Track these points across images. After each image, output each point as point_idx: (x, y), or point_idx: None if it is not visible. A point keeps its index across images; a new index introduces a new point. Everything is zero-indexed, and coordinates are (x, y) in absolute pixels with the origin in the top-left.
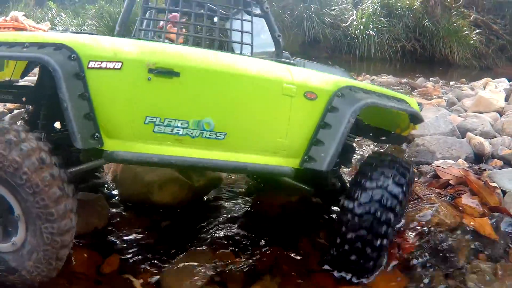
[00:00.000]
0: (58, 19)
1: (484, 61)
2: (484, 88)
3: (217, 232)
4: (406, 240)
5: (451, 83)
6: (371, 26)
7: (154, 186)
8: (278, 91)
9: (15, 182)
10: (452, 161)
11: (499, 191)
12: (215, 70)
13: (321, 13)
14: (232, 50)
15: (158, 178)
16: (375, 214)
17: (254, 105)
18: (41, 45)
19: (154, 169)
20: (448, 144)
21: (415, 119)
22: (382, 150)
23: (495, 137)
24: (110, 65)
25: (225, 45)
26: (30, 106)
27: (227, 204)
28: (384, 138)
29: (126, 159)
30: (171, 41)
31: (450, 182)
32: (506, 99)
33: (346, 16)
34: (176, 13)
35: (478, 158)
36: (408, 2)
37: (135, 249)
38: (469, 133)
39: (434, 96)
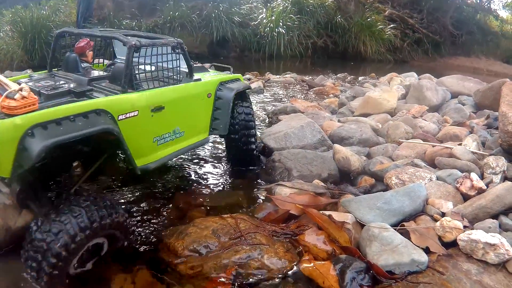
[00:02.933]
0: None
1: (399, 54)
2: (389, 83)
3: None
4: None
5: (360, 78)
6: (281, 24)
7: None
8: (198, 98)
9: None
10: (302, 181)
11: (350, 226)
12: (178, 98)
13: (230, 12)
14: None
15: None
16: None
17: (191, 110)
18: (85, 115)
19: None
20: (307, 160)
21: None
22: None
23: (377, 144)
24: (131, 114)
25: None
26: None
27: None
28: None
29: (154, 166)
30: (88, 62)
31: (292, 213)
32: (404, 97)
33: (255, 15)
34: (87, 39)
35: (344, 175)
36: None
37: None
38: (335, 145)
39: (331, 95)
